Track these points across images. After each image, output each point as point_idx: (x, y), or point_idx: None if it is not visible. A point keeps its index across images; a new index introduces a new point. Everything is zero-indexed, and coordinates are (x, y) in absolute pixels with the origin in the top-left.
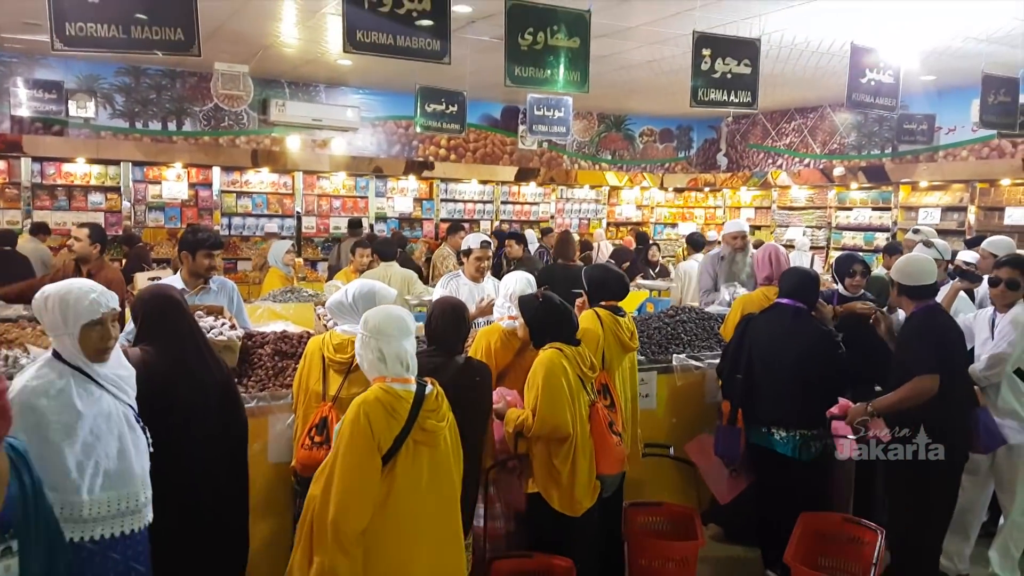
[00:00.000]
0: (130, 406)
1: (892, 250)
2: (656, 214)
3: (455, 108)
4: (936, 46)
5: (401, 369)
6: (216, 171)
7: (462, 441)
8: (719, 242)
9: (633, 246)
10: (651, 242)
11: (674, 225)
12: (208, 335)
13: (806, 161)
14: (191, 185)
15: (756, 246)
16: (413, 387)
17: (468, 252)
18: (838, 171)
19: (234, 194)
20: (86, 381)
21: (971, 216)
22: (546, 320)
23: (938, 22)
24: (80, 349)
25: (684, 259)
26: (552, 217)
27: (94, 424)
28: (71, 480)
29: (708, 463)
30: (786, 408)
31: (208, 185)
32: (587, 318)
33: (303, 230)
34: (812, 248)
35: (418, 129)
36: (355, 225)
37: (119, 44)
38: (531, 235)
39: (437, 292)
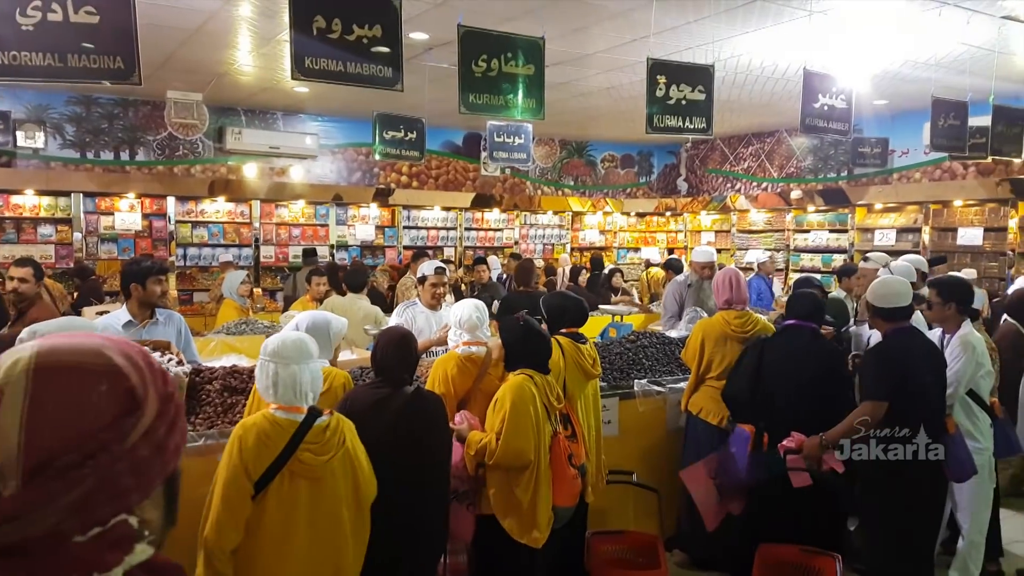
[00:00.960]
0: None
1: (846, 272)
2: (619, 238)
3: (414, 135)
4: (887, 70)
5: (291, 396)
6: (171, 201)
7: (420, 474)
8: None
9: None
10: (613, 267)
11: (637, 249)
12: None
13: (764, 185)
14: (145, 215)
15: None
16: (300, 416)
17: (423, 279)
18: (795, 194)
19: (189, 224)
20: None
21: (925, 236)
22: (525, 344)
23: (888, 47)
24: None
25: (663, 284)
26: (516, 243)
27: None
28: None
29: (702, 490)
30: (807, 430)
31: (163, 215)
32: None
33: (261, 259)
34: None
35: (377, 156)
36: (309, 254)
37: (55, 73)
38: (494, 261)
39: (392, 321)
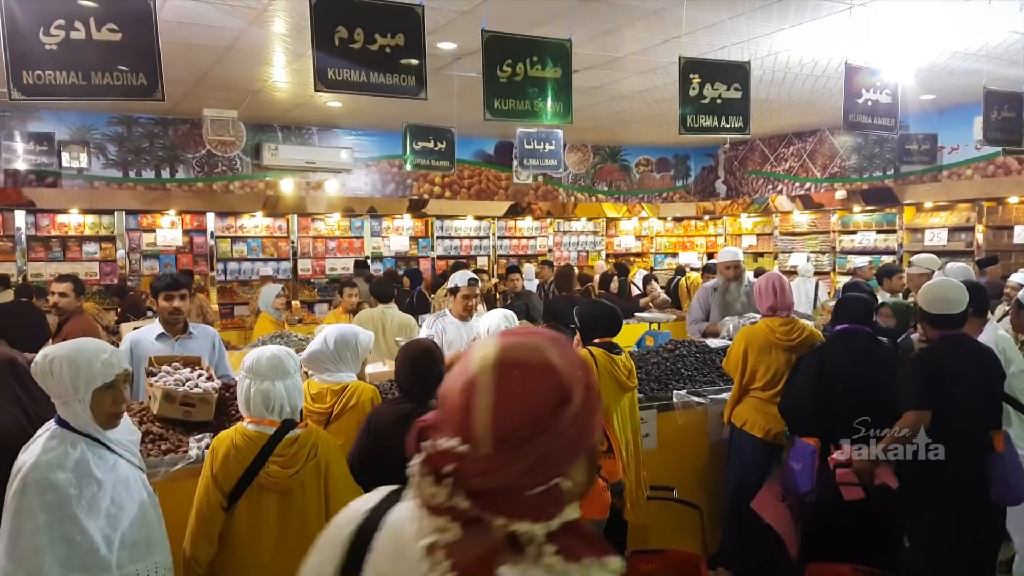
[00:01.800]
0: (141, 470)
1: (887, 273)
2: (656, 243)
3: (444, 145)
4: (935, 63)
5: (263, 410)
6: (211, 216)
7: None
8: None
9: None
10: (648, 274)
11: (675, 254)
12: (183, 388)
13: (807, 185)
14: (186, 231)
15: (757, 274)
16: (271, 430)
17: (455, 290)
18: (840, 194)
19: (229, 239)
20: (99, 447)
21: (979, 236)
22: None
23: (934, 39)
24: (92, 415)
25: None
26: (550, 250)
27: (115, 493)
28: (100, 557)
29: (776, 516)
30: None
31: (203, 231)
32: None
33: (299, 272)
34: (816, 274)
35: (408, 167)
36: (361, 266)
37: (80, 91)
38: (529, 270)
39: (423, 332)
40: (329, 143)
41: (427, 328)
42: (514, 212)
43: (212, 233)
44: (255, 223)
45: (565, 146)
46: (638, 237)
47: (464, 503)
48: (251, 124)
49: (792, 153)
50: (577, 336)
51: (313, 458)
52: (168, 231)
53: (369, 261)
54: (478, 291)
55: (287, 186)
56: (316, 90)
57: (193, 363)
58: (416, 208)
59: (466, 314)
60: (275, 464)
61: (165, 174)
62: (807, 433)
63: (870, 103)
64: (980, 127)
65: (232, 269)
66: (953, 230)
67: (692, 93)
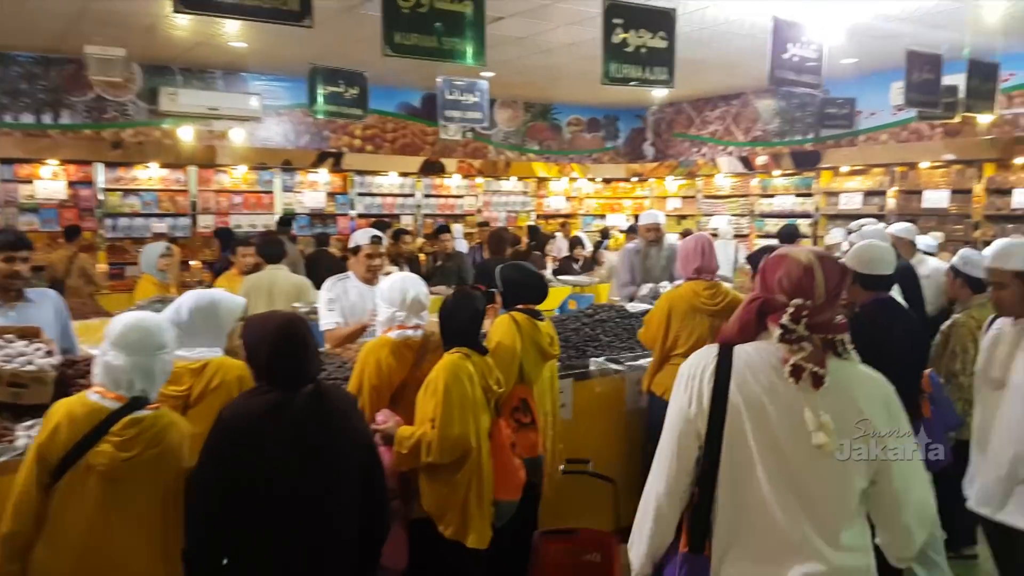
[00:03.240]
0: None
1: (788, 237)
2: (585, 205)
3: (356, 91)
4: (857, 24)
5: (111, 383)
6: (99, 167)
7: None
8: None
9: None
10: (575, 236)
11: (603, 216)
12: (12, 364)
13: (730, 149)
14: (70, 183)
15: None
16: (116, 405)
17: (356, 249)
18: (761, 159)
19: (120, 192)
20: None
21: (891, 200)
22: (458, 319)
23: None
24: None
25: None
26: (479, 210)
27: None
28: None
29: None
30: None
31: (89, 183)
32: (502, 325)
33: (199, 230)
34: (736, 236)
35: (317, 115)
36: (284, 223)
37: None
38: (458, 229)
39: (322, 296)
40: (236, 88)
41: (326, 291)
42: (435, 169)
43: (99, 185)
44: (149, 175)
45: (495, 103)
46: (568, 198)
47: (807, 332)
48: (147, 66)
49: (717, 116)
50: (497, 299)
51: (156, 446)
52: (49, 182)
53: (283, 216)
54: (382, 250)
55: (187, 135)
56: (175, 10)
57: (31, 335)
58: (334, 161)
59: (370, 275)
60: (109, 443)
61: (47, 119)
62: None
63: (796, 59)
64: (898, 91)
65: (123, 225)
66: (868, 194)
67: (616, 40)
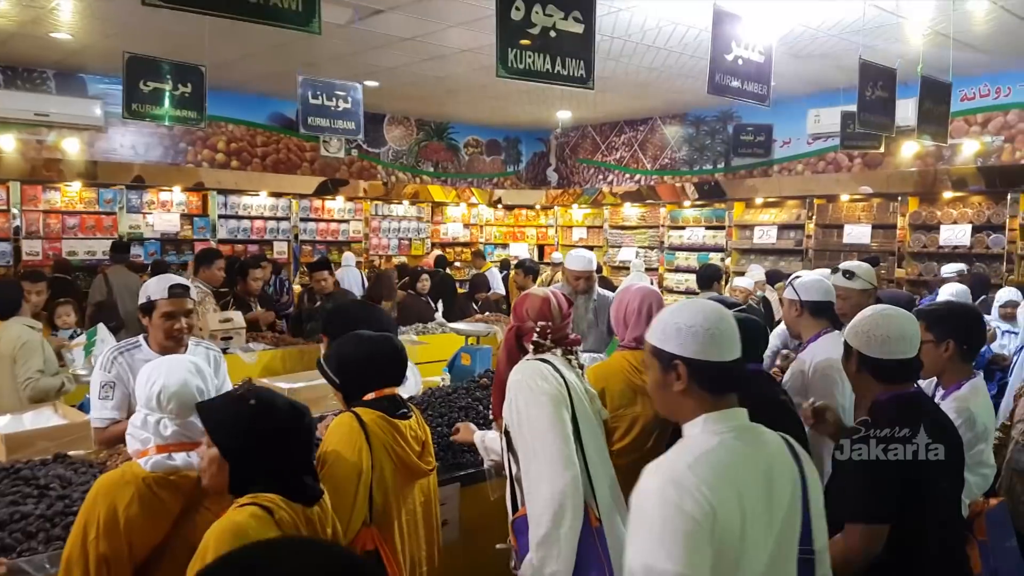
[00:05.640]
0: None
1: (705, 280)
2: (486, 233)
3: (189, 89)
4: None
5: None
6: None
7: None
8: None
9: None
10: (477, 273)
11: (505, 246)
12: None
13: (637, 177)
14: None
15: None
16: None
17: (149, 306)
18: (672, 186)
19: None
20: None
21: (808, 234)
22: (252, 439)
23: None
24: None
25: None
26: (367, 236)
27: None
28: None
29: None
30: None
31: None
32: (339, 432)
33: (24, 257)
34: (647, 270)
35: (124, 115)
36: (119, 249)
37: None
38: (349, 258)
39: (95, 377)
40: (72, 92)
41: (101, 370)
42: (324, 190)
43: None
44: None
45: (385, 119)
46: (466, 225)
47: (552, 344)
48: None
49: (623, 142)
50: (338, 396)
51: None
52: None
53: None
54: (190, 305)
55: (8, 144)
56: None
57: None
58: (193, 179)
59: (171, 344)
60: None
61: None
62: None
63: (741, 62)
64: (814, 119)
65: None
66: (783, 227)
67: (516, 16)
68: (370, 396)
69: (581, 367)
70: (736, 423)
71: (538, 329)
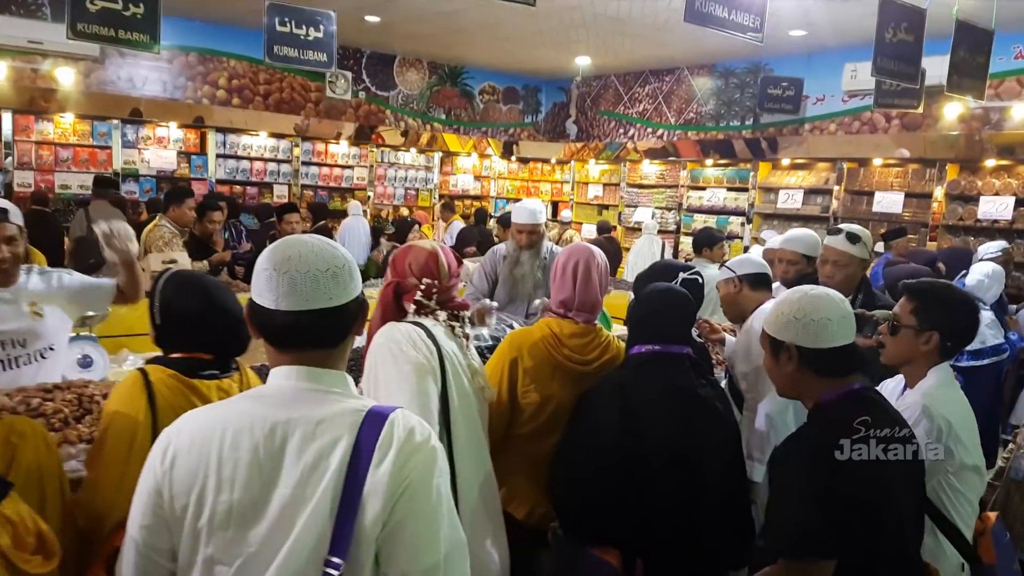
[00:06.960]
0: None
1: (705, 242)
2: (497, 186)
3: (140, 10)
4: None
5: None
6: None
7: None
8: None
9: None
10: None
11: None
12: None
13: (660, 132)
14: None
15: (602, 230)
16: None
17: None
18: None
19: None
20: None
21: (835, 201)
22: None
23: None
24: None
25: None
26: (370, 183)
27: None
28: None
29: None
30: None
31: None
32: (120, 397)
33: (15, 189)
34: (660, 232)
35: (68, 36)
36: (102, 184)
37: None
38: (355, 206)
39: None
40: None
41: None
42: (366, 137)
43: None
44: None
45: (395, 60)
46: (477, 177)
47: (437, 306)
48: None
49: (648, 94)
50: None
51: None
52: None
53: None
54: (11, 232)
55: None
56: None
57: None
58: (193, 115)
59: None
60: None
61: None
62: (598, 539)
63: None
64: (850, 74)
65: None
66: (809, 192)
67: None
68: (178, 355)
69: (467, 337)
70: None
71: (422, 287)
